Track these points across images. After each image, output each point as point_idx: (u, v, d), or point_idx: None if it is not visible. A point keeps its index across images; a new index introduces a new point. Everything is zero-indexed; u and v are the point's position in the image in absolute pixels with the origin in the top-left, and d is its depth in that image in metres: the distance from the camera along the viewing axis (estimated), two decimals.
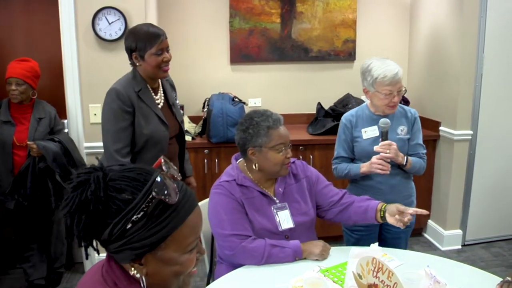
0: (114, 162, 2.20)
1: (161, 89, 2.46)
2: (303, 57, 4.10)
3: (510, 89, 3.78)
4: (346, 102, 3.97)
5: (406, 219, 1.94)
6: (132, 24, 3.07)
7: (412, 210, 1.95)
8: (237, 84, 4.09)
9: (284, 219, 2.05)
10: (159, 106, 2.40)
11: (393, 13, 4.26)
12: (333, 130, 3.74)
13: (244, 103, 3.76)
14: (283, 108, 3.87)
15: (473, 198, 3.91)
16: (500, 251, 3.90)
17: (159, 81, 2.45)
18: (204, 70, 4.09)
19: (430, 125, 4.02)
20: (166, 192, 0.91)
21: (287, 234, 2.06)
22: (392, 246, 2.36)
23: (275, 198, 2.09)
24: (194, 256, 1.01)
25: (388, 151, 2.29)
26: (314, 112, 4.03)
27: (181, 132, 2.55)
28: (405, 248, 2.52)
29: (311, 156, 3.67)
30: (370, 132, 2.43)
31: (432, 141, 3.97)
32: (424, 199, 4.07)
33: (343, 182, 2.85)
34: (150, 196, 0.90)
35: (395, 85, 2.31)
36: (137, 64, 2.29)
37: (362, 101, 3.99)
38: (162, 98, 2.45)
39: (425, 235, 4.17)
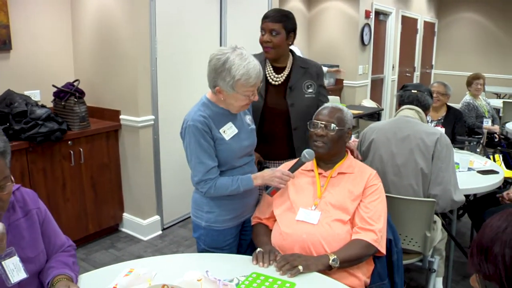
0: None
1: (287, 71, 2.54)
2: None
3: (182, 71, 3.95)
4: (10, 101, 3.32)
5: None
6: None
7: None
8: None
9: (14, 269, 1.48)
10: (273, 82, 2.53)
11: None
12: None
13: None
14: None
15: (163, 181, 3.97)
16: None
17: (288, 62, 2.54)
18: None
19: (110, 115, 3.82)
20: None
21: None
22: None
23: None
24: None
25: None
26: None
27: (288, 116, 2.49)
28: None
29: None
30: (229, 131, 2.04)
31: (113, 132, 3.79)
32: (115, 194, 3.88)
33: None
34: None
35: (258, 83, 1.98)
36: None
37: (28, 97, 3.44)
38: (282, 78, 2.53)
39: (124, 229, 3.99)
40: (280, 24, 2.40)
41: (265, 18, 2.44)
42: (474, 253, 0.98)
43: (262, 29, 2.45)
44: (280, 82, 2.54)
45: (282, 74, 2.54)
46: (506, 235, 0.94)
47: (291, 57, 2.57)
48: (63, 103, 3.49)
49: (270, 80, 2.53)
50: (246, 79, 1.90)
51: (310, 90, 2.54)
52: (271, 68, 2.55)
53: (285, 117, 2.49)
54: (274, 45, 2.42)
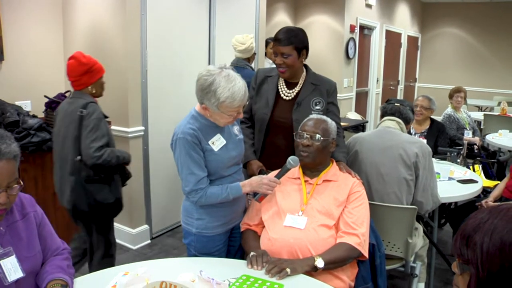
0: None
1: (299, 87, 2.59)
2: None
3: (171, 83, 4.04)
4: (2, 111, 3.37)
5: None
6: None
7: None
8: None
9: (11, 268, 1.56)
10: (284, 97, 2.59)
11: (42, 7, 3.85)
12: None
13: None
14: None
15: (153, 191, 4.03)
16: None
17: (301, 79, 2.59)
18: None
19: None
20: None
21: None
22: None
23: None
24: None
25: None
26: None
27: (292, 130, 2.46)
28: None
29: None
30: (217, 142, 2.12)
31: None
32: None
33: None
34: None
35: (243, 104, 2.06)
36: None
37: (20, 107, 3.49)
38: (293, 94, 2.58)
39: None
40: (290, 46, 2.44)
41: (276, 41, 2.48)
42: (458, 239, 1.09)
43: (274, 52, 2.50)
44: (291, 97, 2.59)
45: (293, 90, 2.59)
46: (487, 226, 1.05)
47: (304, 73, 2.61)
48: (54, 114, 3.54)
49: (282, 95, 2.59)
50: (231, 102, 1.98)
51: (318, 107, 2.55)
52: (284, 84, 2.60)
53: (289, 131, 2.50)
54: (287, 65, 2.48)
